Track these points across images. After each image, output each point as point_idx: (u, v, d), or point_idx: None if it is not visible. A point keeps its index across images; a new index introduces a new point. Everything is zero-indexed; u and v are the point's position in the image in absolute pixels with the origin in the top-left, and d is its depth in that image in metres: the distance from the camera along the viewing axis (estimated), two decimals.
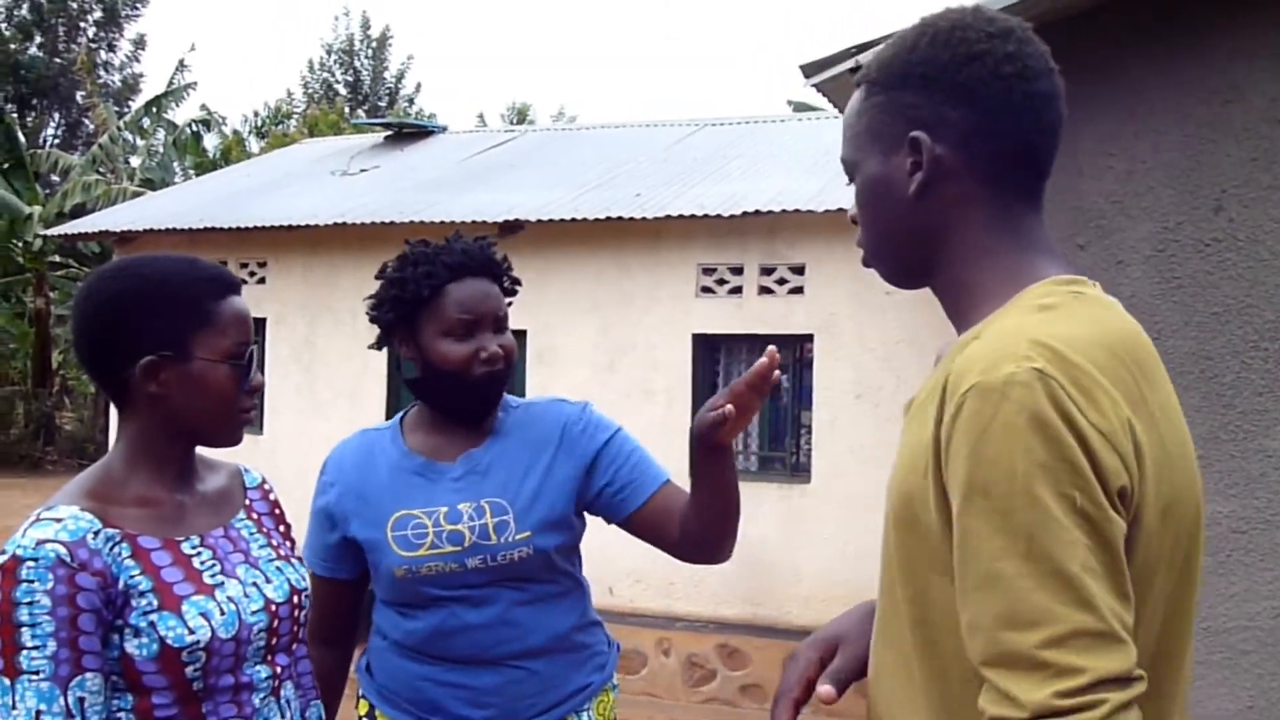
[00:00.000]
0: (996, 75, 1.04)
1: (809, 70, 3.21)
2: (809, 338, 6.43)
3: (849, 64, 2.93)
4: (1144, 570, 0.93)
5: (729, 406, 1.61)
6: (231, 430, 1.53)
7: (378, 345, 2.00)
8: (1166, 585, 0.97)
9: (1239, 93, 2.60)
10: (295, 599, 1.56)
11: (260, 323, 7.84)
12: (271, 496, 1.71)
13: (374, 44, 27.75)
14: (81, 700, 1.30)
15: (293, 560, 1.62)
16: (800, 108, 13.48)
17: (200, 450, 1.57)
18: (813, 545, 6.33)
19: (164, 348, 1.44)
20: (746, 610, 6.40)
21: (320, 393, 7.75)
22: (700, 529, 1.85)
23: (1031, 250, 1.08)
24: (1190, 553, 1.00)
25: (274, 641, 1.52)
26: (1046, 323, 0.97)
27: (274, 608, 1.52)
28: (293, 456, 7.75)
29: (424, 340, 1.87)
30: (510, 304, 1.95)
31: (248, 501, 1.64)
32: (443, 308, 1.84)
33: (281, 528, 1.68)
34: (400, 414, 2.02)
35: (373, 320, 1.95)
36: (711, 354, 6.80)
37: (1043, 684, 0.86)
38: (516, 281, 1.98)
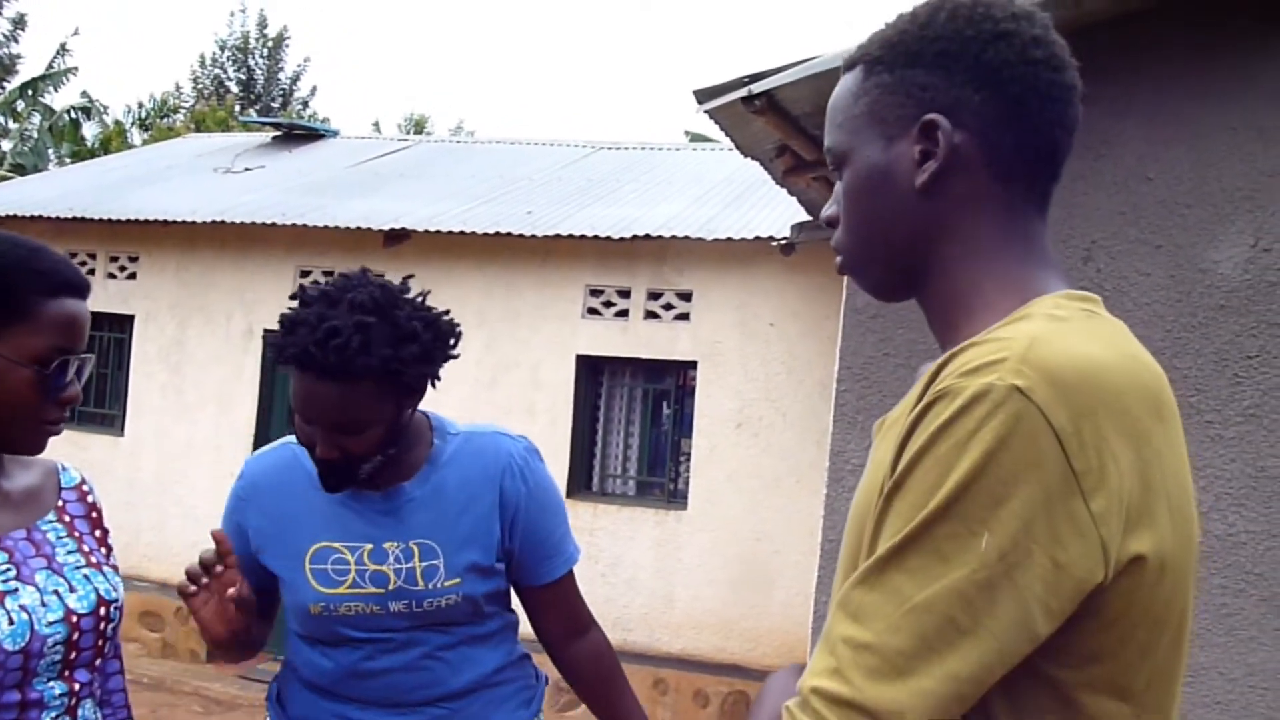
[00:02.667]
0: (1025, 58, 0.93)
1: (702, 96, 3.21)
2: (693, 365, 6.45)
3: (741, 92, 2.95)
4: (1122, 624, 0.84)
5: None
6: (27, 439, 1.39)
7: None
8: (1151, 644, 0.87)
9: (1110, 147, 2.69)
10: (103, 610, 1.43)
11: (128, 320, 7.51)
12: (90, 499, 1.56)
13: (270, 43, 27.09)
14: None
15: (105, 569, 1.48)
16: (696, 138, 13.61)
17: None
18: (686, 572, 6.32)
19: None
20: (617, 635, 6.30)
21: (187, 395, 7.46)
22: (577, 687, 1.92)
23: (1039, 262, 0.97)
24: (1182, 608, 0.89)
25: (73, 656, 1.38)
26: (1055, 335, 0.85)
27: (75, 619, 1.39)
28: (156, 460, 7.44)
29: None
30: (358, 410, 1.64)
31: (61, 503, 1.50)
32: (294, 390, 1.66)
33: (98, 533, 1.54)
34: None
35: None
36: (595, 375, 6.76)
37: (821, 672, 0.82)
38: (409, 382, 1.66)
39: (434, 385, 1.72)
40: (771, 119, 3.07)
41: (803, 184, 4.14)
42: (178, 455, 7.42)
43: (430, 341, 1.66)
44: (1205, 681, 2.53)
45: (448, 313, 1.76)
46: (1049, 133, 0.95)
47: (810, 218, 5.19)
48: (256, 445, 7.26)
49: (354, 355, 1.56)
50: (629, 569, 6.33)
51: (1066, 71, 0.96)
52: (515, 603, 1.90)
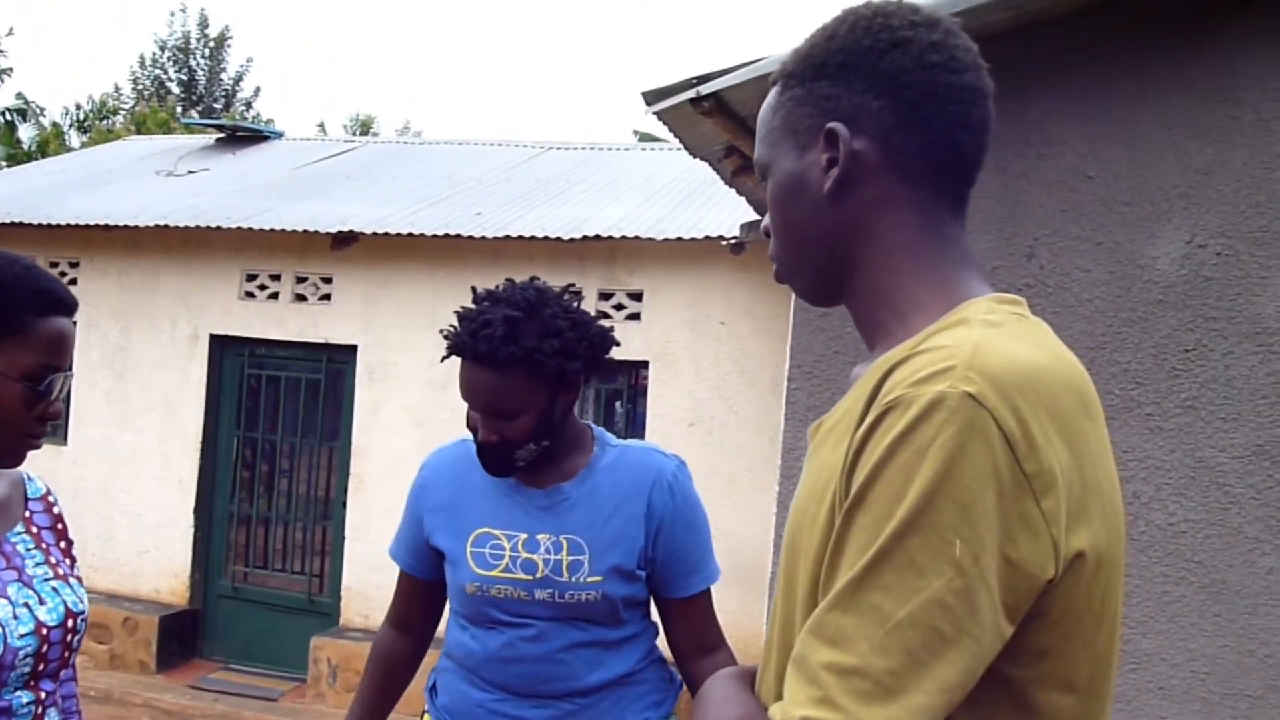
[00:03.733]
0: (921, 64, 0.96)
1: (650, 98, 3.23)
2: (644, 364, 6.47)
3: (689, 94, 2.96)
4: (1067, 619, 0.86)
5: None
6: (8, 451, 1.41)
7: None
8: (1092, 635, 0.90)
9: (1052, 147, 2.74)
10: (70, 623, 1.45)
11: None
12: (56, 510, 1.57)
13: (212, 43, 26.70)
14: None
15: (71, 580, 1.50)
16: (645, 138, 13.63)
17: None
18: None
19: None
20: None
21: (132, 401, 7.34)
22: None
23: (961, 263, 0.99)
24: (1115, 600, 0.93)
25: (41, 667, 1.40)
26: (995, 340, 0.87)
27: (45, 631, 1.40)
28: (100, 468, 7.31)
29: None
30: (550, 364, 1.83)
31: (28, 514, 1.52)
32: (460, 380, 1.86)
33: (63, 544, 1.55)
34: None
35: None
36: None
37: (806, 702, 0.82)
38: (568, 372, 1.84)
39: (588, 383, 1.92)
40: (719, 120, 3.10)
41: (751, 184, 4.17)
42: (123, 463, 7.30)
43: (573, 339, 1.83)
44: (1148, 668, 2.59)
45: (600, 318, 1.95)
46: (951, 135, 0.97)
47: (759, 217, 5.22)
48: (204, 451, 7.17)
49: (499, 345, 1.77)
50: None
51: (967, 74, 0.98)
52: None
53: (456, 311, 1.88)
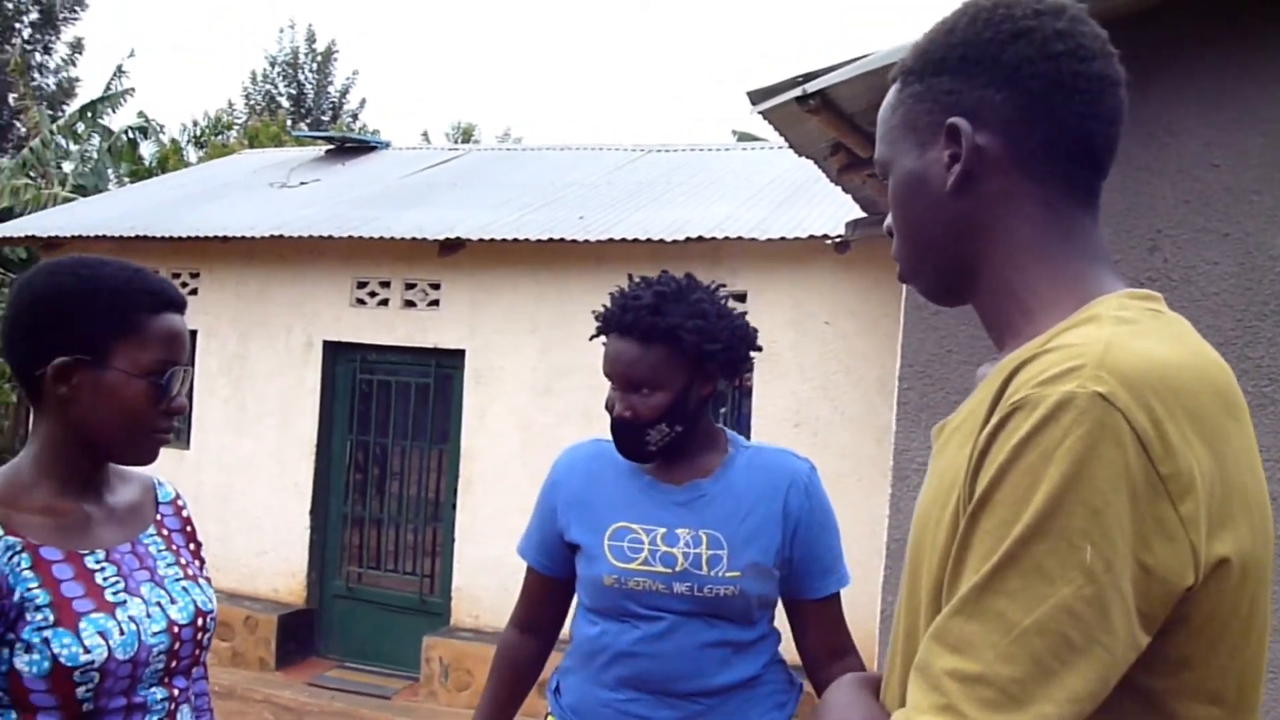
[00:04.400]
0: (1045, 54, 0.93)
1: (755, 97, 3.21)
2: (749, 365, 6.43)
3: (795, 92, 2.94)
4: (1210, 628, 0.83)
5: None
6: (141, 448, 1.47)
7: None
8: (1238, 645, 0.86)
9: (1175, 135, 2.64)
10: (200, 621, 1.50)
11: (190, 335, 7.63)
12: (185, 513, 1.64)
13: (319, 57, 27.47)
14: None
15: (200, 581, 1.56)
16: (745, 137, 13.58)
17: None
18: None
19: (82, 351, 1.39)
20: None
21: (250, 408, 7.58)
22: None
23: (1091, 258, 0.96)
24: (1265, 607, 0.89)
25: (173, 664, 1.46)
26: (1128, 337, 0.84)
27: (177, 629, 1.46)
28: (220, 473, 7.57)
29: None
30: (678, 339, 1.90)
31: (159, 517, 1.58)
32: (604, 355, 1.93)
33: (192, 546, 1.61)
34: None
35: None
36: None
37: (929, 709, 0.80)
38: (705, 339, 1.90)
39: (728, 382, 2.00)
40: (825, 117, 3.06)
41: (858, 181, 4.11)
42: (241, 468, 7.55)
43: (718, 325, 1.90)
44: None
45: (745, 315, 2.02)
46: (1080, 125, 0.94)
47: (865, 214, 5.15)
48: (318, 456, 7.37)
49: (645, 315, 1.87)
50: None
51: (1096, 61, 0.94)
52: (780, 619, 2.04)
53: (611, 293, 1.96)
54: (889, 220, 1.07)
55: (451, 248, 6.90)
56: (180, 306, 1.49)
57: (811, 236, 6.01)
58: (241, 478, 7.55)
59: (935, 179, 0.98)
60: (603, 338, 1.95)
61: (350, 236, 7.01)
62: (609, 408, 1.93)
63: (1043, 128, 0.94)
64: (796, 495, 1.95)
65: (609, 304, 1.94)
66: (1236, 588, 0.84)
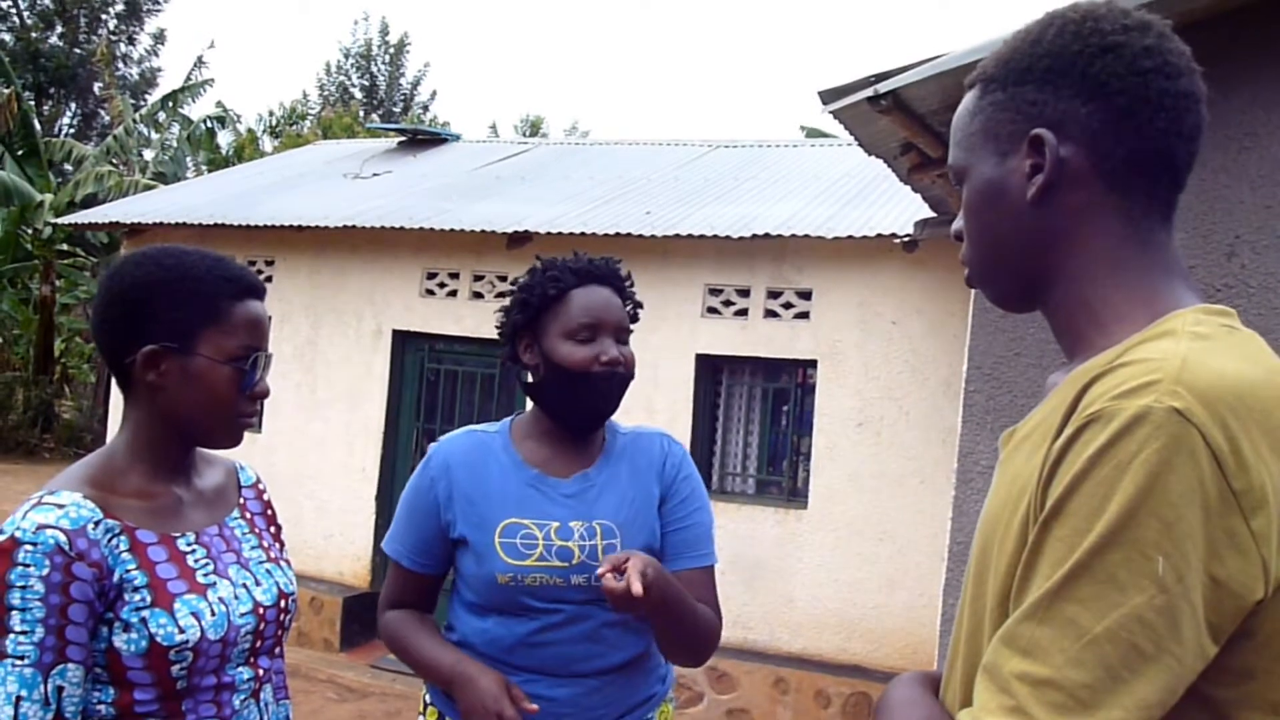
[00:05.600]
0: (1133, 69, 0.93)
1: (827, 97, 3.21)
2: (812, 363, 6.42)
3: (867, 92, 2.93)
4: (1276, 642, 0.84)
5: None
6: (228, 432, 1.51)
7: (506, 358, 2.02)
8: None
9: (1256, 140, 2.60)
10: (282, 603, 1.56)
11: None
12: (265, 497, 1.70)
13: (392, 50, 27.84)
14: (60, 690, 1.28)
15: (281, 563, 1.61)
16: (813, 134, 13.52)
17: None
18: (806, 571, 6.30)
19: (169, 339, 1.44)
20: (737, 634, 6.36)
21: (320, 393, 7.74)
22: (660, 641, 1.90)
23: (1166, 271, 0.97)
24: None
25: (258, 644, 1.51)
26: (1204, 353, 0.85)
27: (262, 610, 1.51)
28: (290, 456, 7.74)
29: (547, 343, 1.91)
30: (635, 320, 1.99)
31: (242, 500, 1.64)
32: (567, 311, 1.90)
33: (273, 529, 1.67)
34: (508, 421, 2.04)
35: (500, 330, 2.00)
36: (714, 374, 6.79)
37: (997, 710, 0.82)
38: (639, 304, 2.01)
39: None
40: (897, 117, 3.06)
41: (928, 181, 4.09)
42: (311, 451, 7.71)
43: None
44: None
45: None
46: (1163, 141, 0.95)
47: (935, 214, 5.11)
48: (386, 441, 7.50)
49: (614, 265, 1.97)
50: (749, 567, 6.34)
51: (1182, 79, 0.95)
52: None
53: (533, 269, 1.97)
54: (958, 224, 1.07)
55: (519, 240, 6.98)
56: (260, 293, 1.53)
57: (879, 235, 5.98)
58: (311, 462, 7.71)
59: (1015, 188, 0.98)
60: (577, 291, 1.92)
61: (420, 228, 7.12)
62: (583, 364, 1.87)
63: (1127, 142, 0.94)
64: (670, 472, 1.96)
65: (555, 267, 1.94)
66: None
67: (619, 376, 1.90)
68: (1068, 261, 0.98)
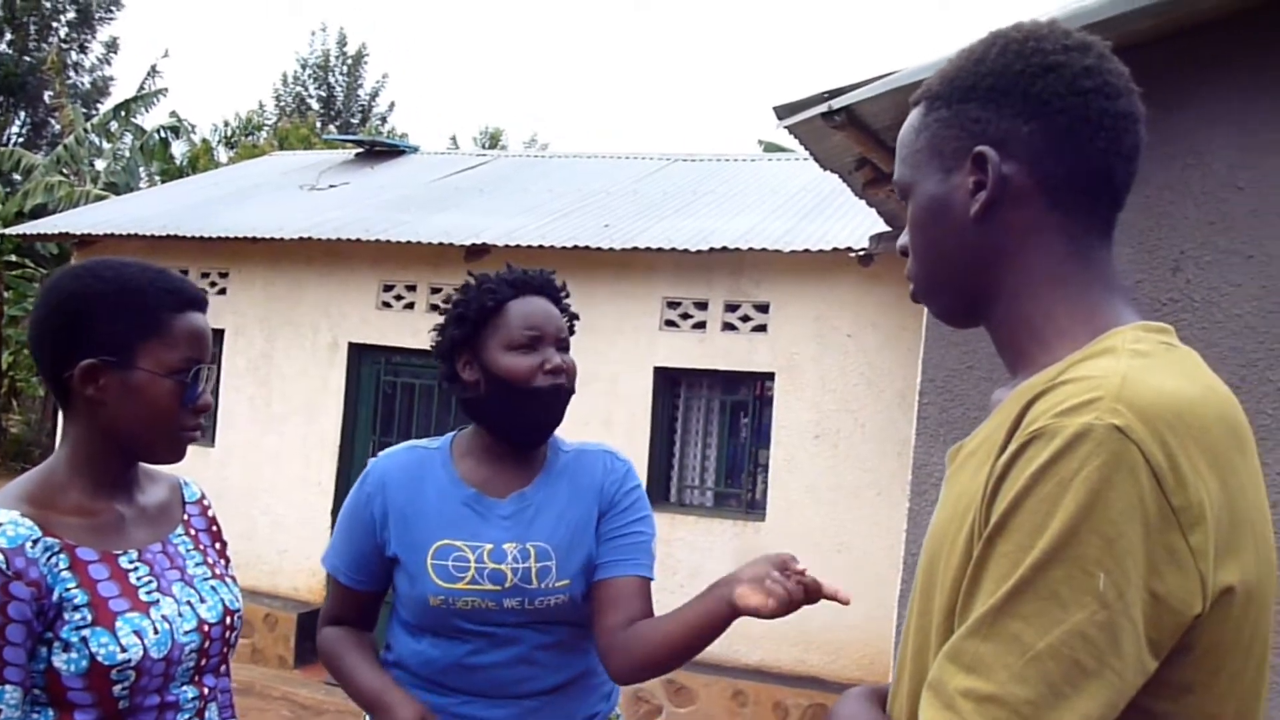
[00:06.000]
0: (1074, 89, 0.95)
1: (782, 112, 3.23)
2: (770, 376, 6.45)
3: (822, 108, 2.96)
4: (1214, 654, 0.85)
5: (800, 565, 1.64)
6: (170, 447, 1.49)
7: (444, 377, 1.95)
8: (1239, 671, 0.88)
9: (1199, 157, 2.65)
10: (228, 620, 1.54)
11: (218, 334, 7.73)
12: (210, 513, 1.67)
13: (349, 61, 27.68)
14: None
15: (227, 579, 1.59)
16: (771, 148, 13.59)
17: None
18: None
19: (108, 352, 1.41)
20: None
21: (275, 407, 7.66)
22: (647, 643, 1.76)
23: (1107, 288, 0.98)
24: (1265, 634, 0.91)
25: (203, 663, 1.49)
26: (1144, 371, 0.86)
27: (207, 628, 1.49)
28: (244, 470, 7.65)
29: (487, 356, 1.86)
30: (573, 331, 1.95)
31: (186, 516, 1.61)
32: (507, 322, 1.85)
33: (218, 545, 1.65)
34: (450, 436, 1.99)
35: (435, 348, 1.94)
36: (672, 387, 6.80)
37: None
38: (575, 315, 1.97)
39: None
40: (851, 133, 3.09)
41: (883, 196, 4.13)
42: (265, 465, 7.63)
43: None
44: None
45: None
46: (1104, 161, 0.96)
47: (889, 228, 5.16)
48: (342, 455, 7.43)
49: (551, 276, 1.94)
50: (707, 579, 6.30)
51: (1121, 99, 0.97)
52: None
53: (466, 285, 1.92)
54: (903, 239, 1.09)
55: (477, 253, 6.96)
56: (202, 305, 1.51)
57: (836, 249, 6.03)
58: (265, 476, 7.62)
59: (959, 205, 1.00)
60: (516, 300, 1.87)
61: (377, 240, 7.08)
62: (527, 375, 1.82)
63: (1068, 161, 0.96)
64: (610, 489, 1.92)
65: (490, 280, 1.89)
66: (1240, 616, 0.86)
67: (563, 389, 1.86)
68: (1010, 277, 0.99)
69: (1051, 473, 0.81)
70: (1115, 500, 0.79)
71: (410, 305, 7.36)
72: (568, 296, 1.97)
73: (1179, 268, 2.66)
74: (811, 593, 1.63)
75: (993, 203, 0.97)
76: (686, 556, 6.38)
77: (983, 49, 1.00)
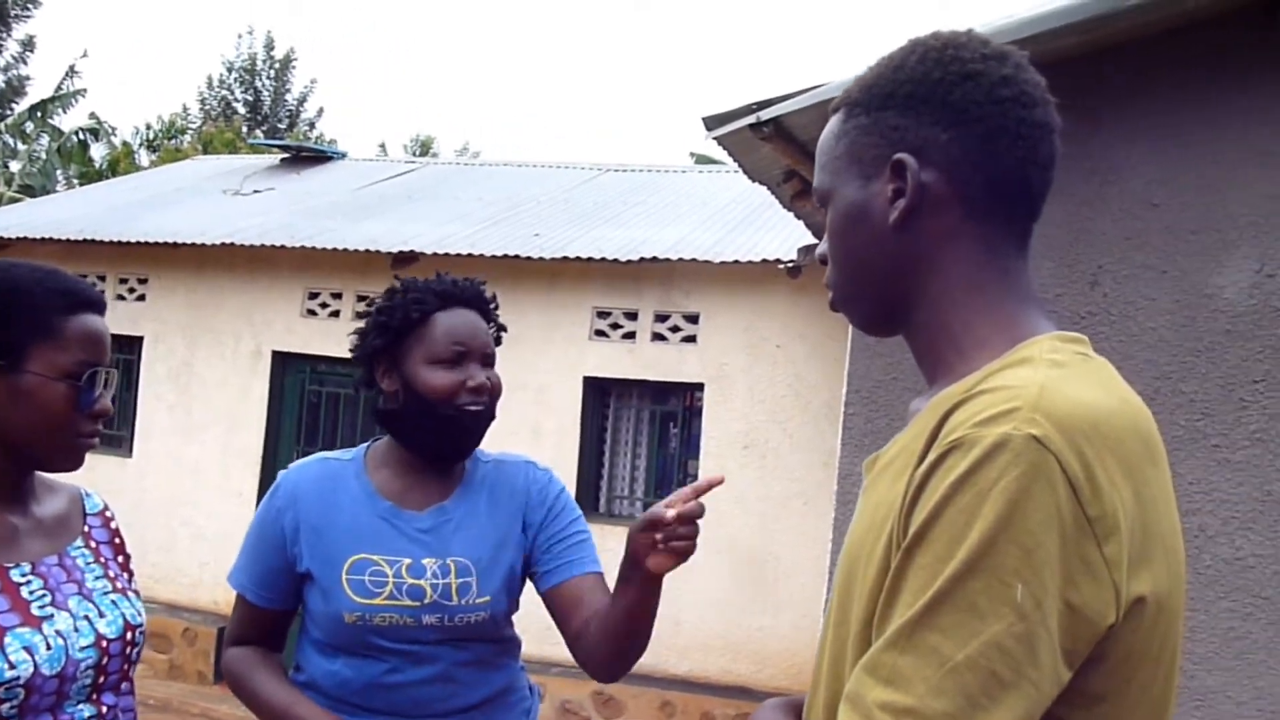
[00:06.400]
0: (991, 98, 0.95)
1: (711, 123, 3.25)
2: (699, 387, 6.47)
3: (750, 119, 2.98)
4: (1126, 664, 0.85)
5: (670, 511, 1.57)
6: (66, 454, 1.43)
7: (361, 383, 1.89)
8: (1149, 681, 0.89)
9: (1118, 174, 2.71)
10: (129, 635, 1.47)
11: (137, 341, 7.55)
12: (113, 525, 1.60)
13: (277, 65, 27.25)
14: None
15: (129, 593, 1.52)
16: (702, 160, 13.67)
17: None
18: (693, 594, 6.32)
19: None
20: None
21: (196, 416, 7.48)
22: (601, 639, 1.77)
23: (1023, 298, 0.98)
24: (1174, 644, 0.91)
25: (101, 680, 1.42)
26: (1061, 381, 0.86)
27: (105, 644, 1.43)
28: (164, 481, 7.46)
29: (409, 368, 1.79)
30: (499, 344, 1.89)
31: (86, 528, 1.54)
32: (431, 335, 1.78)
33: (120, 558, 1.58)
34: (363, 448, 1.91)
35: (354, 352, 1.88)
36: (602, 397, 6.79)
37: None
38: (502, 327, 1.92)
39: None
40: (779, 145, 3.11)
41: (810, 208, 4.17)
42: (186, 476, 7.45)
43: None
44: (1213, 705, 2.53)
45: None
46: (1021, 170, 0.97)
47: (817, 240, 5.21)
48: (265, 466, 7.29)
49: (479, 287, 1.87)
50: None
51: (1038, 109, 0.97)
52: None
53: (391, 290, 1.86)
54: (822, 247, 1.08)
55: (405, 261, 6.88)
56: (99, 306, 1.46)
57: (765, 260, 6.07)
58: (186, 487, 7.44)
59: (878, 212, 0.99)
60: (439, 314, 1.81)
61: (302, 246, 6.97)
62: (449, 392, 1.76)
63: (985, 169, 0.96)
64: (534, 500, 1.87)
65: (417, 288, 1.83)
66: (1151, 626, 0.86)
67: (483, 414, 1.80)
68: (929, 286, 0.99)
69: (970, 483, 0.81)
70: (1033, 511, 0.79)
71: (336, 313, 7.25)
72: (497, 309, 1.91)
73: (1097, 282, 2.72)
74: (697, 507, 1.61)
75: (911, 210, 0.97)
76: (616, 567, 6.35)
77: (901, 56, 1.00)
